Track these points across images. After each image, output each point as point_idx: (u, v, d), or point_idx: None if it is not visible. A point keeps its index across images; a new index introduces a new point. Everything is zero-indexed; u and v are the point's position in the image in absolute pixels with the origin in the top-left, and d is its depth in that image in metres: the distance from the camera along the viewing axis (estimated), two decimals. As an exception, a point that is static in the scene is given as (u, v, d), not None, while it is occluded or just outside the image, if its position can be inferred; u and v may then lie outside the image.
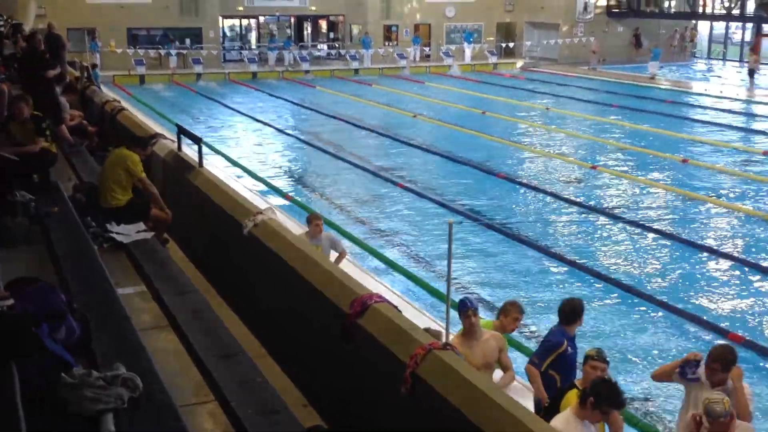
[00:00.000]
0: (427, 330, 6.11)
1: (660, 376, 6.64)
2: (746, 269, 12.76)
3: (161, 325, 5.78)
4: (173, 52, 38.59)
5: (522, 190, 17.96)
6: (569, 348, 6.67)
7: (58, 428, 3.74)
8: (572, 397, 5.83)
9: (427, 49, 43.48)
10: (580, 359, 6.46)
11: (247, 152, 22.47)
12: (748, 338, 10.11)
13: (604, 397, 5.33)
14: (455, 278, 11.29)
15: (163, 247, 7.78)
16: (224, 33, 43.94)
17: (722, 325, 10.60)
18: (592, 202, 16.69)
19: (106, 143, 11.95)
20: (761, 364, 9.65)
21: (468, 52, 42.50)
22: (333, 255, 9.90)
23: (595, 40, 41.77)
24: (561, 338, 6.74)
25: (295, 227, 12.46)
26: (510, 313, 7.00)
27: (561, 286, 12.21)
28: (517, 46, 44.53)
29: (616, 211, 16.17)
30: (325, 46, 45.72)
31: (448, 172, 19.93)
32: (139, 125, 12.33)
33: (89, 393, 3.85)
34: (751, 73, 34.34)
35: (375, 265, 12.79)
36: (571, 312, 6.76)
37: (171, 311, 5.91)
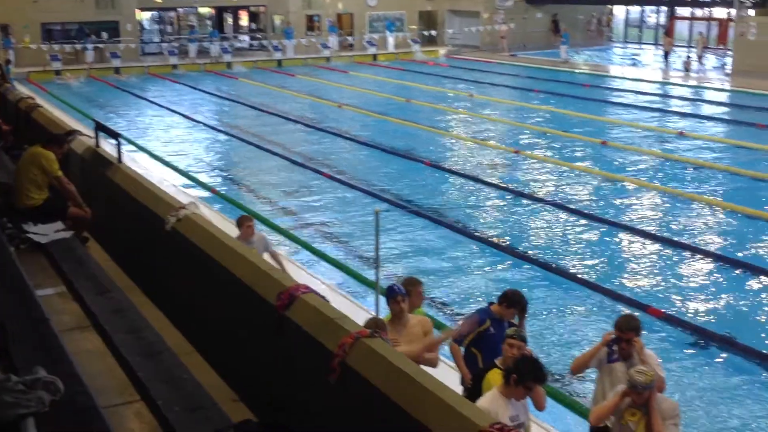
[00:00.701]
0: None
1: (580, 367, 6.54)
2: (663, 245, 13.14)
3: (83, 325, 5.65)
4: (90, 46, 37.59)
5: (448, 177, 18.13)
6: (492, 328, 6.74)
7: (-23, 436, 3.63)
8: (493, 376, 5.93)
9: (350, 38, 43.39)
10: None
11: (169, 146, 22.09)
12: (667, 312, 10.43)
13: (526, 373, 5.45)
14: (384, 266, 11.33)
15: (83, 246, 7.60)
16: (142, 25, 43.06)
17: (642, 300, 10.90)
18: (516, 186, 16.95)
19: (22, 141, 11.59)
20: (680, 337, 9.97)
21: (391, 41, 42.57)
22: (266, 257, 9.73)
23: (503, 25, 42.36)
24: (484, 317, 6.85)
25: (220, 221, 12.34)
26: (411, 293, 6.98)
27: (488, 269, 12.38)
28: (440, 34, 44.78)
29: (540, 193, 16.45)
30: (247, 38, 45.18)
31: (374, 160, 19.97)
32: (56, 122, 11.99)
33: (8, 398, 3.73)
34: (666, 55, 35.30)
35: (303, 256, 12.75)
36: (509, 297, 6.81)
37: (93, 311, 5.78)
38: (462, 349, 6.91)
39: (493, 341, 6.60)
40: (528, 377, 5.45)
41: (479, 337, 6.77)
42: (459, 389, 6.60)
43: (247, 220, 9.70)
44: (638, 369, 5.61)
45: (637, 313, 10.47)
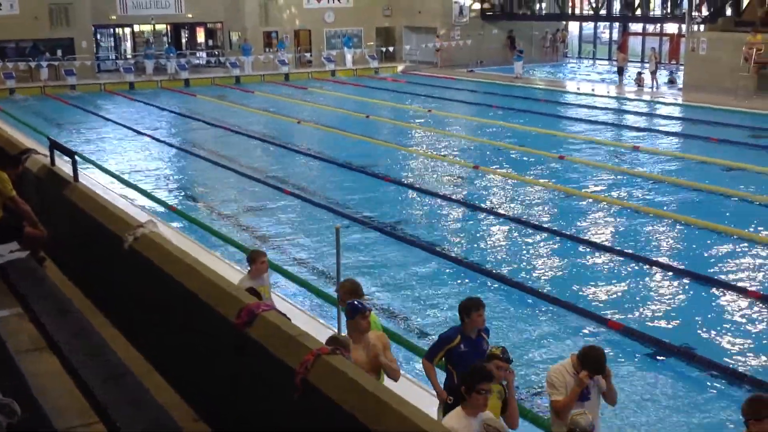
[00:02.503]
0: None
1: (566, 410, 5.98)
2: (620, 258, 13.30)
3: (40, 347, 5.57)
4: (44, 64, 37.16)
5: (408, 192, 18.19)
6: (462, 345, 6.68)
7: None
8: None
9: (308, 54, 43.44)
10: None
11: (127, 164, 21.87)
12: (626, 325, 10.55)
13: (471, 379, 5.41)
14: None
15: (39, 267, 7.49)
16: (97, 43, 42.68)
17: (601, 313, 11.02)
18: (476, 202, 17.06)
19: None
20: (638, 349, 10.09)
21: (349, 57, 42.72)
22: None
23: (438, 40, 42.83)
24: (453, 334, 6.79)
25: (179, 239, 12.26)
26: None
27: (450, 284, 12.42)
28: (397, 50, 45.07)
29: (499, 208, 16.58)
30: (204, 54, 45.01)
31: (334, 177, 19.98)
32: (10, 141, 11.82)
33: (-37, 422, 3.67)
34: (620, 70, 35.86)
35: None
36: (460, 310, 6.83)
37: (50, 332, 5.70)
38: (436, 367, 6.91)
39: (465, 358, 6.51)
40: (474, 381, 5.41)
41: (449, 354, 6.70)
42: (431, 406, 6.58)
43: (261, 255, 8.72)
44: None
45: (594, 327, 10.66)
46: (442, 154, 22.47)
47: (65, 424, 4.36)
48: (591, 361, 6.04)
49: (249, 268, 8.57)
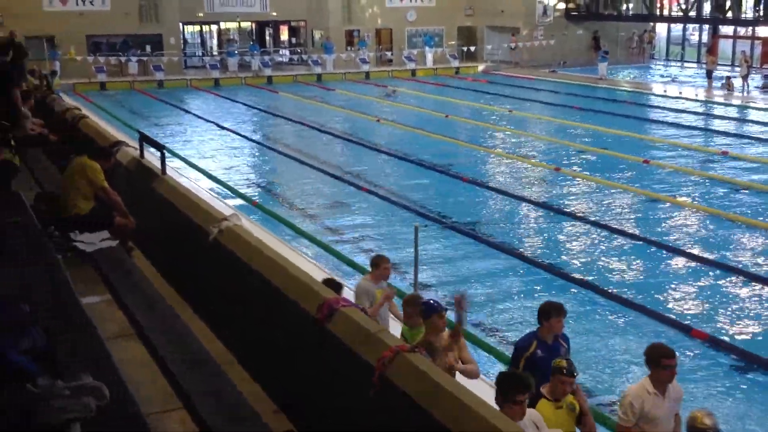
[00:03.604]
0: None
1: None
2: (705, 266, 12.95)
3: (127, 334, 5.73)
4: (134, 59, 38.26)
5: (487, 193, 18.07)
6: (539, 351, 6.51)
7: (25, 440, 3.70)
8: (542, 407, 5.78)
9: (389, 53, 43.60)
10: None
11: (211, 159, 22.34)
12: (711, 335, 10.27)
13: (507, 389, 5.19)
14: (422, 281, 11.33)
15: (128, 256, 7.71)
16: (185, 39, 43.74)
17: (685, 322, 10.75)
18: (556, 204, 16.84)
19: (69, 151, 11.79)
20: (723, 360, 9.81)
21: (430, 57, 42.69)
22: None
23: (513, 39, 42.38)
24: (529, 340, 6.63)
25: (261, 233, 12.43)
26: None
27: (528, 287, 12.30)
28: (479, 49, 44.82)
29: (580, 212, 16.32)
30: (287, 52, 45.62)
31: (413, 176, 19.99)
32: (101, 133, 12.21)
33: (55, 403, 3.80)
34: (709, 74, 34.88)
35: (341, 269, 12.78)
36: (539, 313, 6.72)
37: (137, 320, 5.86)
38: None
39: (542, 363, 6.32)
40: (511, 391, 5.16)
41: (527, 363, 6.48)
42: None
43: (385, 261, 8.69)
44: (702, 409, 5.45)
45: (676, 335, 10.40)
46: (522, 155, 22.25)
47: (150, 409, 4.48)
48: (649, 360, 5.91)
49: (371, 271, 8.63)
